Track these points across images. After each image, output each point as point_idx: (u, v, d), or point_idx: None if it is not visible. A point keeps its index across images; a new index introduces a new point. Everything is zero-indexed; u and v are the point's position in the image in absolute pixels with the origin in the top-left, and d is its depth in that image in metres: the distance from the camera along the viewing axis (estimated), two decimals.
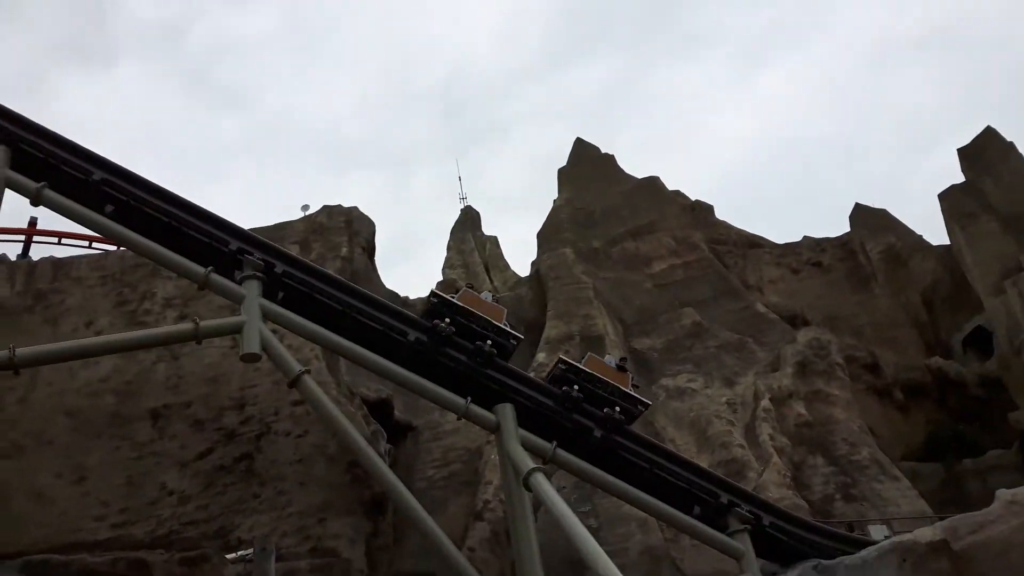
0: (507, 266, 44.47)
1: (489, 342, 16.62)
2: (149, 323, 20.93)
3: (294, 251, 20.76)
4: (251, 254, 16.95)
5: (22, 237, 28.91)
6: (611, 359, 18.09)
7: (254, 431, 19.61)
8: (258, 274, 16.87)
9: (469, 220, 48.86)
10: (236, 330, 16.32)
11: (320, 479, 18.63)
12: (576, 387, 16.65)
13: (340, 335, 16.79)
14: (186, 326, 16.62)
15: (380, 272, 28.16)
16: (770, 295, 34.41)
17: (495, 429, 16.86)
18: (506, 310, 17.63)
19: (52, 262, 22.97)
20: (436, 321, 16.57)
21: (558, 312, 30.42)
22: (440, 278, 41.31)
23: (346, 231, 24.85)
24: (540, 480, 15.39)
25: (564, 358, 17.16)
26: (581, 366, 17.11)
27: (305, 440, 19.26)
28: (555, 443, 16.63)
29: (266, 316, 16.71)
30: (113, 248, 24.12)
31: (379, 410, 22.90)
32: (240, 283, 16.88)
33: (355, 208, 26.12)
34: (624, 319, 31.53)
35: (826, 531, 17.46)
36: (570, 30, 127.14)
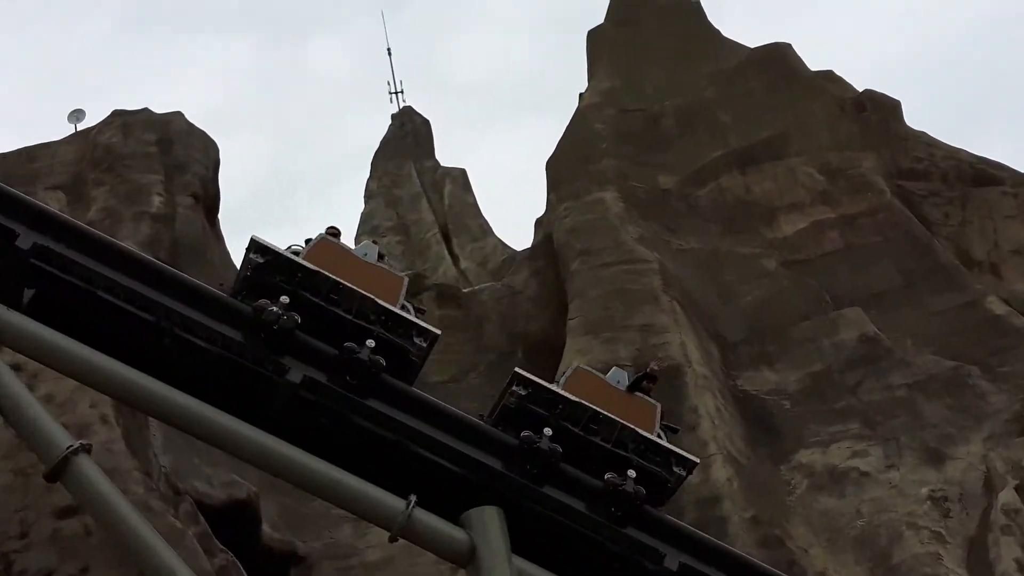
0: (485, 229, 38.83)
1: (371, 343, 14.32)
2: None
3: (54, 204, 19.46)
4: None
5: None
6: (621, 373, 16.19)
7: None
8: None
9: (410, 137, 42.69)
10: None
11: None
12: (546, 430, 14.78)
13: (150, 370, 14.04)
14: None
15: (232, 241, 27.77)
16: (1015, 279, 29.03)
17: (466, 558, 14.26)
18: (406, 279, 15.82)
19: None
20: (263, 302, 14.23)
21: (590, 318, 26.73)
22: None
23: (159, 161, 23.85)
24: None
25: (520, 372, 15.35)
26: (555, 387, 15.39)
27: None
28: None
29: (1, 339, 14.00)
30: None
31: (231, 524, 19.80)
32: None
33: (178, 115, 25.38)
34: (723, 332, 27.58)
35: None
36: None
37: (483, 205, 39.54)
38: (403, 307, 15.24)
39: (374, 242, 16.66)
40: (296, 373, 14.49)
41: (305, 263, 14.97)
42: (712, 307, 28.23)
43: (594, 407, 15.28)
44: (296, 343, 14.64)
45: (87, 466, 13.11)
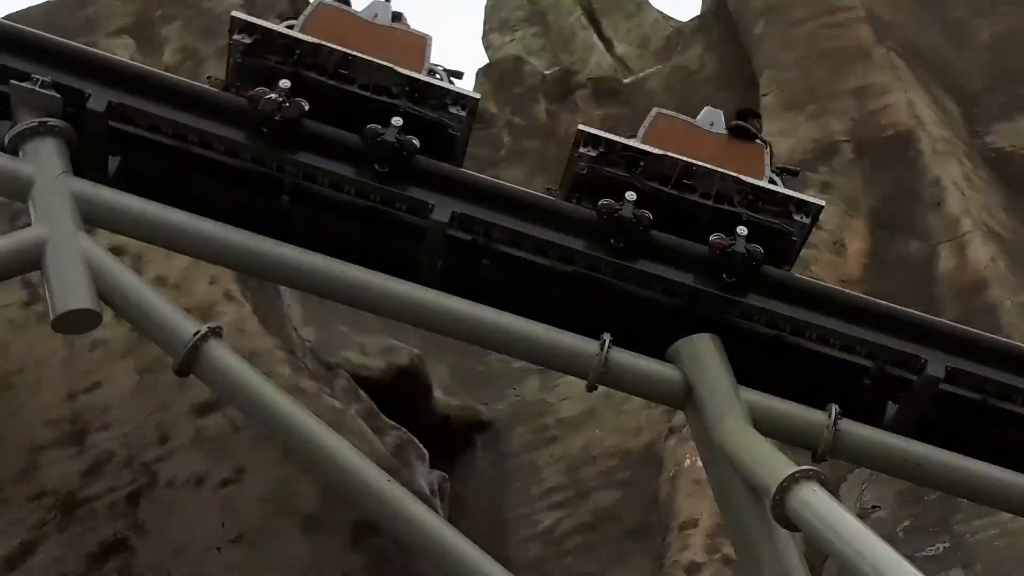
0: (639, 1, 37.40)
1: (397, 120, 13.93)
2: None
3: (121, 53, 19.47)
4: (28, 77, 13.90)
5: None
6: (715, 114, 15.51)
7: (121, 488, 16.90)
8: (54, 123, 13.75)
9: None
10: (28, 266, 13.52)
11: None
12: (629, 195, 14.19)
13: (266, 231, 13.99)
14: None
15: None
16: None
17: (683, 398, 14.09)
18: (430, 37, 15.21)
19: None
20: (260, 90, 13.90)
21: (788, 91, 25.57)
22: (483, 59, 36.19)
23: None
24: (817, 500, 12.58)
25: (585, 128, 14.80)
26: (631, 141, 14.70)
27: (239, 493, 16.90)
28: (834, 408, 14.06)
29: (89, 219, 13.62)
30: None
31: (397, 395, 19.88)
32: (14, 147, 13.76)
33: None
34: (960, 81, 25.94)
35: None
36: None
37: None
38: (431, 72, 14.75)
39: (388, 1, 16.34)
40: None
41: (302, 36, 14.46)
42: (941, 53, 26.62)
43: (684, 158, 14.67)
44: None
45: (220, 352, 13.12)
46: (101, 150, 14.11)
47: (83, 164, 13.94)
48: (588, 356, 13.68)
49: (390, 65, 14.28)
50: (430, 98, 14.37)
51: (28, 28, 14.22)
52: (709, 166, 14.58)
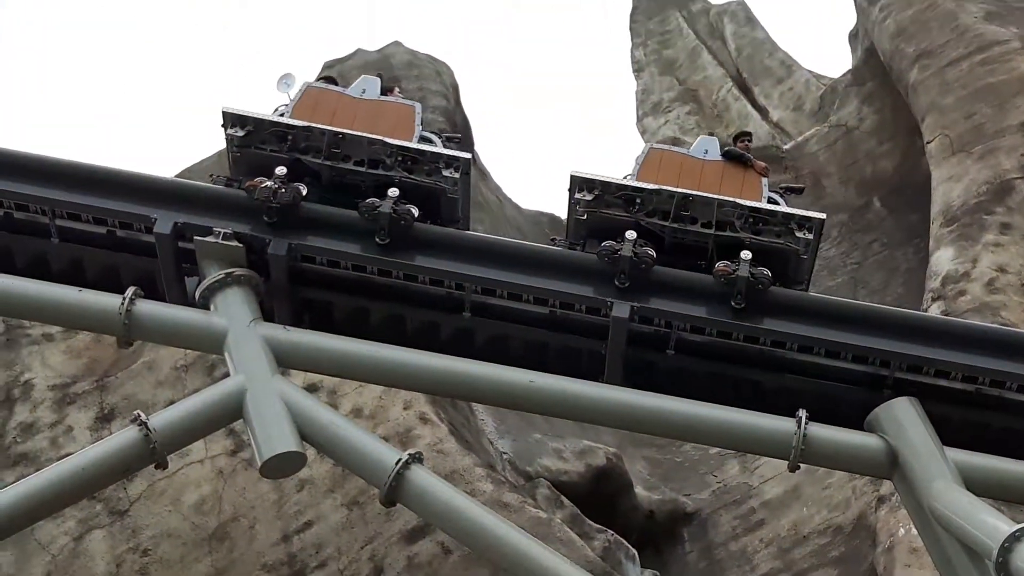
0: (789, 64, 37.08)
1: (394, 191, 14.06)
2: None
3: None
4: (210, 231, 14.07)
5: None
6: (709, 142, 15.46)
7: None
8: (239, 272, 13.98)
9: None
10: (231, 416, 13.42)
11: None
12: (629, 233, 13.98)
13: (440, 348, 14.08)
14: (126, 437, 13.21)
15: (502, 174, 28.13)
16: None
17: (888, 467, 13.59)
18: (418, 105, 15.47)
19: None
20: (259, 179, 14.01)
21: (953, 134, 24.76)
22: (640, 143, 35.49)
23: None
24: None
25: (577, 173, 14.56)
26: (624, 180, 14.56)
27: None
28: None
29: (282, 362, 13.76)
30: None
31: (599, 496, 19.73)
32: (205, 300, 13.97)
33: (395, 45, 26.14)
34: None
35: None
36: None
37: (777, 35, 38.17)
38: (423, 139, 14.80)
39: (378, 75, 16.38)
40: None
41: (292, 121, 14.67)
42: None
43: (679, 190, 14.48)
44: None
45: (423, 477, 13.15)
46: (285, 291, 14.16)
47: (270, 306, 14.02)
48: (786, 436, 13.31)
49: (380, 137, 14.33)
50: (423, 164, 14.42)
51: (206, 185, 14.51)
52: (705, 194, 14.27)
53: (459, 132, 23.37)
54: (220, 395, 13.45)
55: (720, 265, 13.79)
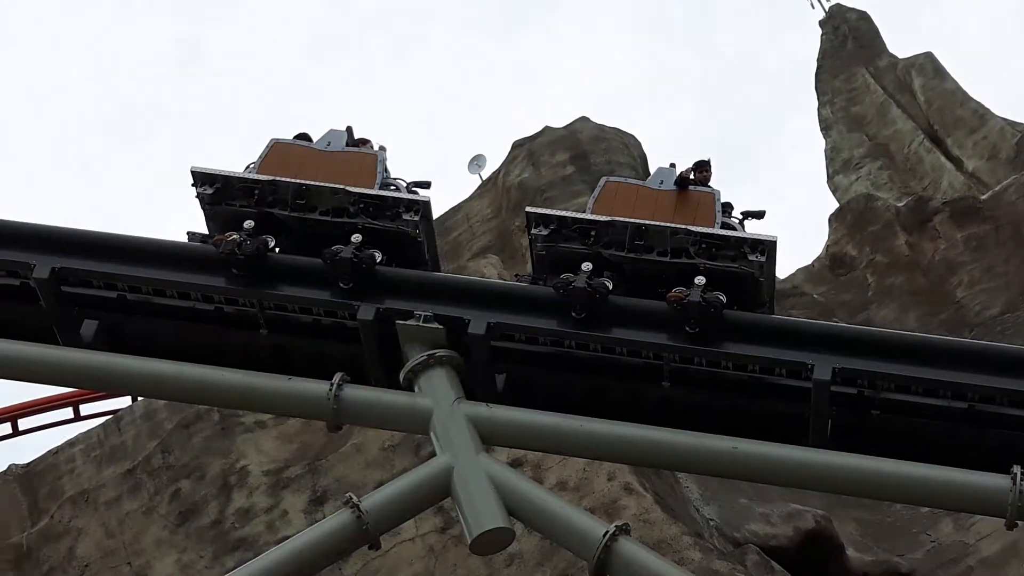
0: (981, 113, 35.65)
1: (357, 237, 14.27)
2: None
3: (491, 272, 20.53)
4: (411, 315, 14.16)
5: None
6: (665, 172, 15.33)
7: None
8: (441, 353, 14.02)
9: (850, 40, 40.39)
10: (440, 495, 13.55)
11: None
12: (585, 265, 14.02)
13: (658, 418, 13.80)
14: (340, 520, 13.35)
15: None
16: None
17: None
18: (382, 151, 15.49)
19: None
20: (230, 235, 14.27)
21: None
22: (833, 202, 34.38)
23: (582, 181, 23.47)
24: None
25: (531, 209, 14.87)
26: (577, 213, 14.78)
27: None
28: None
29: (487, 439, 13.80)
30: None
31: (810, 560, 19.09)
32: (409, 382, 14.06)
33: (582, 121, 25.96)
34: None
35: None
36: None
37: (968, 84, 37.03)
38: (387, 186, 14.90)
39: (347, 128, 16.36)
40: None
41: (257, 176, 14.82)
42: None
43: (631, 220, 14.42)
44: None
45: (631, 549, 12.94)
46: (486, 369, 14.20)
47: (471, 384, 14.04)
48: (1001, 493, 12.87)
49: (342, 186, 14.52)
50: (385, 210, 14.55)
51: (405, 270, 14.63)
52: (657, 223, 14.24)
53: None
54: (428, 475, 13.51)
55: (673, 291, 13.80)
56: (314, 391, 13.47)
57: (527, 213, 14.86)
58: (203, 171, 14.97)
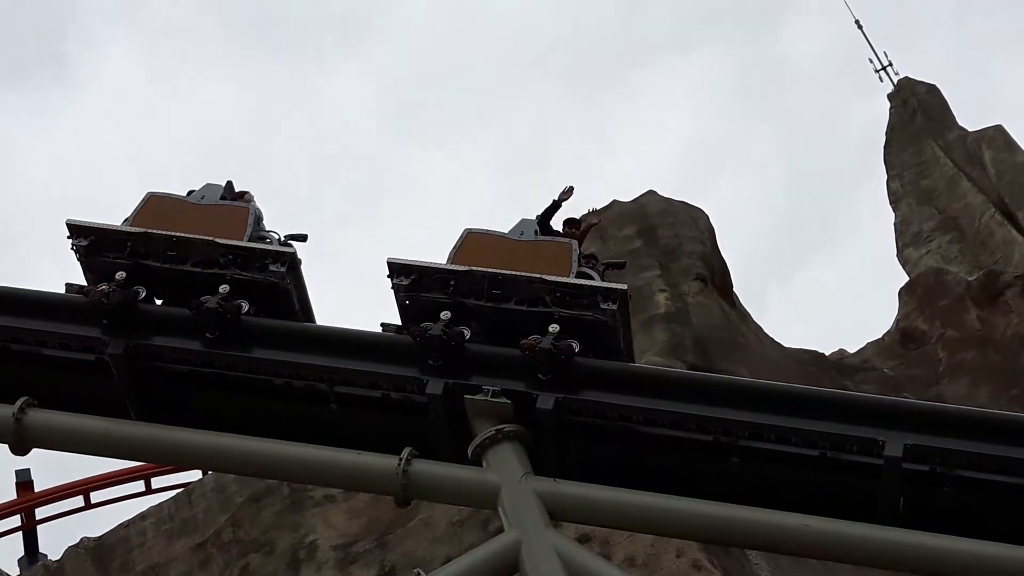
0: None
1: (225, 288, 14.22)
2: None
3: None
4: (479, 390, 13.98)
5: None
6: (528, 223, 15.24)
7: None
8: (509, 428, 13.76)
9: (919, 113, 40.27)
10: (508, 571, 13.07)
11: None
12: (444, 314, 14.00)
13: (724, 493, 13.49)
14: None
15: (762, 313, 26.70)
16: None
17: None
18: (252, 206, 15.26)
19: None
20: (100, 286, 14.25)
21: None
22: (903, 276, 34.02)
23: (648, 254, 23.99)
24: None
25: (393, 259, 14.63)
26: (433, 262, 14.59)
27: None
28: None
29: (554, 515, 13.42)
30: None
31: None
32: (477, 456, 13.85)
33: (650, 195, 26.02)
34: None
35: None
36: None
37: None
38: (261, 239, 14.91)
39: (227, 182, 16.33)
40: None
41: (129, 228, 14.80)
42: None
43: (488, 270, 14.40)
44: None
45: None
46: (554, 444, 14.10)
47: (540, 459, 13.91)
48: None
49: (211, 238, 14.55)
50: (253, 261, 14.57)
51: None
52: (512, 272, 14.25)
53: (716, 276, 23.08)
54: (496, 550, 13.41)
55: (527, 340, 13.80)
56: (383, 466, 13.40)
57: (388, 263, 14.90)
58: (78, 223, 15.04)
